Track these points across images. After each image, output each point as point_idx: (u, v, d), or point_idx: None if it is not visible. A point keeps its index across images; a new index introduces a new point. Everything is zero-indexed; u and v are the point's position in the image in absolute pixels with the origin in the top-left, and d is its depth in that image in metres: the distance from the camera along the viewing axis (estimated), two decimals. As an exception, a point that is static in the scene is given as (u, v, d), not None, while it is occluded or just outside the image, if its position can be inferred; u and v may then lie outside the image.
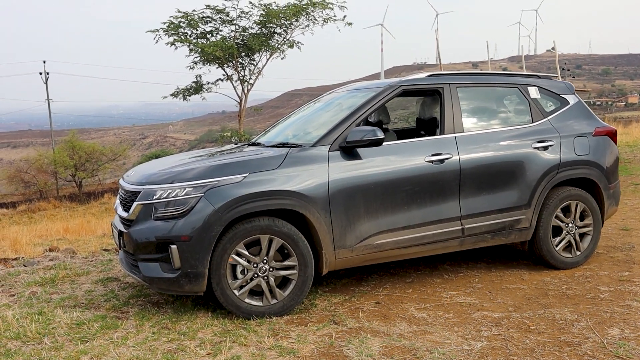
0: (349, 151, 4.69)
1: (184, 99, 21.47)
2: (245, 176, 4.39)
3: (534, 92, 5.53)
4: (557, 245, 5.43)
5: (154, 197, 4.39)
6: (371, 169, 4.71)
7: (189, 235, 4.25)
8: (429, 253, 5.04)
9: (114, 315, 4.64)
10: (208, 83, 21.45)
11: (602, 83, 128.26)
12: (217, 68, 20.98)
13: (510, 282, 5.18)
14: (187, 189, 4.33)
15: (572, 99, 5.69)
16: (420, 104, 5.85)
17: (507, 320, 4.27)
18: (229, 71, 21.03)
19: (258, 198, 4.36)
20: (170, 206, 4.33)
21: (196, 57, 20.31)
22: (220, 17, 20.25)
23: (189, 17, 19.73)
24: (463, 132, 5.12)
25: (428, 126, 5.58)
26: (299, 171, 4.52)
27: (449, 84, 5.20)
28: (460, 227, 5.01)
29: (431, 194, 4.89)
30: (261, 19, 20.31)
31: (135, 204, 4.49)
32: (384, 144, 4.77)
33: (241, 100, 21.17)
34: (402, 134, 6.24)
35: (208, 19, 20.17)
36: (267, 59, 21.05)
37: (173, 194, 4.34)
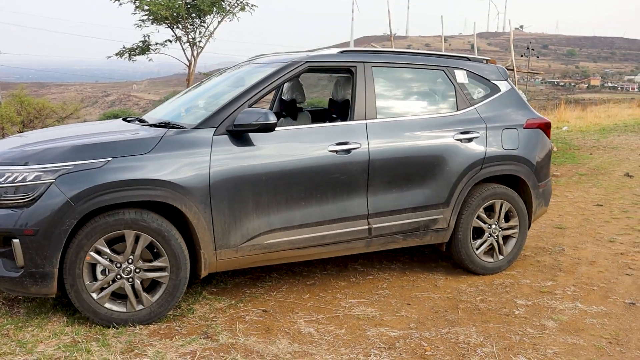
0: (239, 136, 4.02)
1: (129, 58, 20.29)
2: (108, 161, 3.69)
3: (461, 77, 4.90)
4: (477, 249, 4.89)
5: None
6: (263, 158, 4.05)
7: (34, 228, 3.55)
8: (330, 255, 4.44)
9: (-46, 316, 3.94)
10: (156, 44, 20.30)
11: (566, 64, 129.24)
12: (166, 28, 19.82)
13: (422, 289, 4.63)
14: (36, 173, 3.62)
15: (504, 86, 5.09)
16: (334, 83, 5.20)
17: (403, 341, 3.70)
18: (178, 32, 19.89)
19: (122, 187, 3.68)
20: (17, 192, 3.62)
21: (143, 16, 19.15)
22: (169, -26, 19.07)
23: (135, -28, 18.53)
24: (376, 118, 4.48)
25: (341, 109, 4.94)
26: (175, 157, 3.84)
27: (364, 62, 4.53)
28: (367, 227, 4.42)
29: (334, 188, 4.27)
30: (213, -22, 19.21)
31: (-23, 186, 3.76)
32: (281, 128, 4.14)
33: (190, 64, 20.12)
34: (319, 114, 5.60)
35: (156, -25, 19.01)
36: (219, 22, 19.98)
37: (20, 178, 3.62)
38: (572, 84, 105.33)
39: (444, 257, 5.34)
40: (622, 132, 16.03)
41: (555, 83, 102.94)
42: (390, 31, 14.80)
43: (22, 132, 36.69)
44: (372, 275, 4.90)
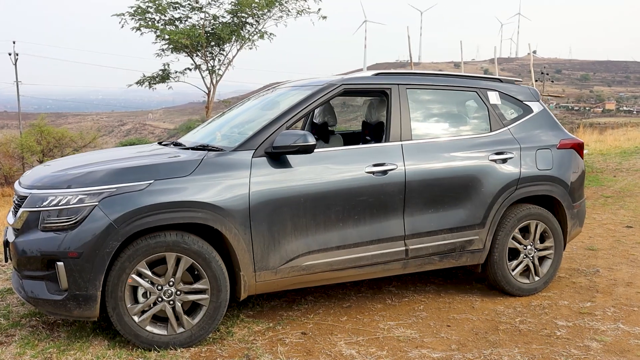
0: (277, 158, 4.06)
1: (150, 87, 20.59)
2: (150, 183, 3.73)
3: (494, 98, 4.93)
4: (513, 270, 4.85)
5: (42, 204, 3.71)
6: (302, 179, 4.08)
7: (78, 251, 3.59)
8: (367, 276, 4.43)
9: (-5, 340, 3.96)
10: (176, 72, 20.59)
11: (580, 88, 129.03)
12: (185, 56, 20.14)
13: (459, 310, 4.60)
14: (80, 196, 3.66)
15: (536, 107, 5.11)
16: (367, 105, 5.24)
17: (446, 362, 3.67)
18: (198, 60, 20.18)
19: (164, 210, 3.71)
20: (61, 215, 3.66)
21: (163, 45, 19.46)
22: (189, 4, 19.41)
23: (156, 3, 18.86)
24: (411, 139, 4.50)
25: (375, 131, 4.96)
26: (215, 179, 3.87)
27: (398, 84, 4.58)
28: (403, 248, 4.41)
29: (371, 209, 4.28)
30: (233, 7, 19.53)
31: (21, 210, 3.82)
32: (318, 150, 4.16)
33: (209, 92, 20.36)
34: (350, 137, 5.64)
35: (177, 5, 19.33)
36: (238, 50, 20.26)
37: (64, 201, 3.66)
38: (587, 108, 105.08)
39: (478, 279, 5.30)
40: (644, 155, 15.88)
41: (570, 107, 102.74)
42: (411, 57, 14.92)
43: (42, 161, 37.02)
44: (407, 298, 4.87)
